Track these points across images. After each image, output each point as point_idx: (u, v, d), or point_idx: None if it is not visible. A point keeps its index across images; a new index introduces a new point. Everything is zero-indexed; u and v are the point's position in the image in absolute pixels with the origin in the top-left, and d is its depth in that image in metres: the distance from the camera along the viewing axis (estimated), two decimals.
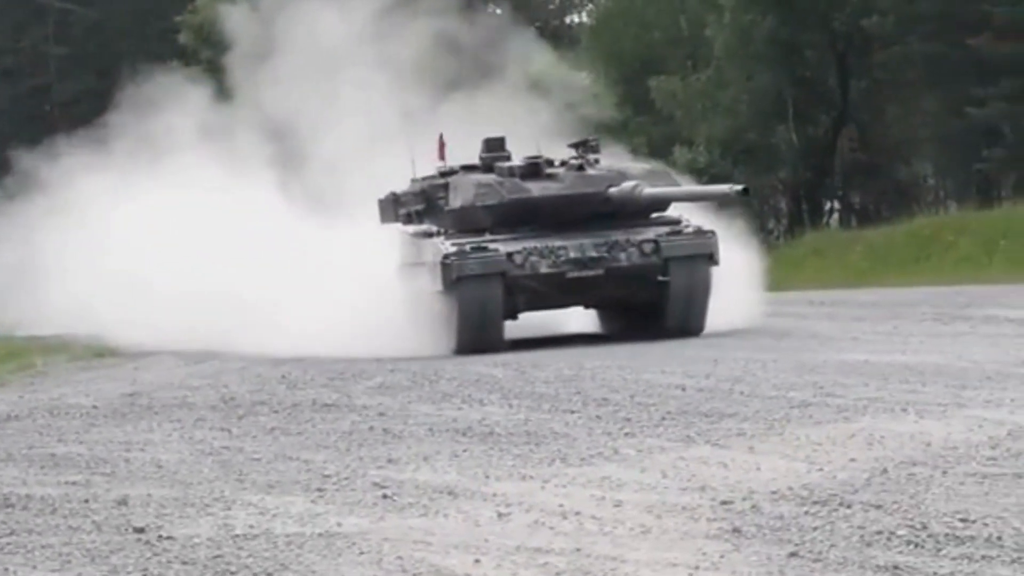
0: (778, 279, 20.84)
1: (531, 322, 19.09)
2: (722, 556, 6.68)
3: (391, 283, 19.16)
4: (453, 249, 18.21)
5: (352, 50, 24.72)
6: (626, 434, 10.18)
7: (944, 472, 8.14)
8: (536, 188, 18.98)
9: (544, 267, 18.35)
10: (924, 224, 36.42)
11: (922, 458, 8.57)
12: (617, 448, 9.62)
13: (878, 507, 7.36)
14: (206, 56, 39.67)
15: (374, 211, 20.78)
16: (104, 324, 22.80)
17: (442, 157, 20.22)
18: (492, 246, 18.31)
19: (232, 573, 6.95)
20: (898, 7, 39.72)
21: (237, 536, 7.65)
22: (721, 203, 20.91)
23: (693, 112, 42.75)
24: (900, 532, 6.84)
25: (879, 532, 6.87)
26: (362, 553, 7.13)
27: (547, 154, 19.61)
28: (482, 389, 13.47)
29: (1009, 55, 36.83)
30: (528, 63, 27.17)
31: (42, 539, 7.90)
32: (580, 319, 20.30)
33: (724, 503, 7.69)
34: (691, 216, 19.30)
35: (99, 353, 21.95)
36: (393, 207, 20.58)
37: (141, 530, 7.92)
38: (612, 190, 18.85)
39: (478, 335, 18.07)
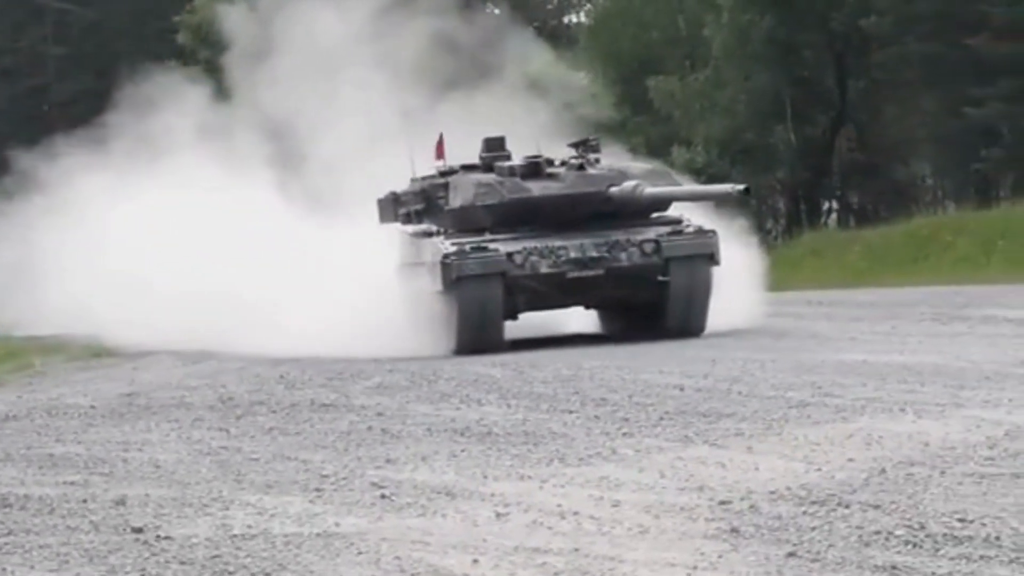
0: (776, 279, 20.83)
1: (530, 323, 19.07)
2: (720, 556, 6.68)
3: (390, 283, 19.14)
4: (453, 249, 18.17)
5: (350, 49, 24.72)
6: (624, 434, 10.18)
7: (942, 472, 8.14)
8: (537, 188, 18.94)
9: (544, 267, 18.31)
10: (922, 224, 36.42)
11: (920, 458, 8.57)
12: (615, 448, 9.62)
13: (876, 507, 7.36)
14: (204, 56, 39.67)
15: (373, 211, 20.77)
16: (102, 324, 22.78)
17: (441, 156, 20.19)
18: (492, 246, 18.27)
19: (230, 573, 6.95)
20: (896, 7, 39.72)
21: (235, 536, 7.65)
22: (719, 203, 20.89)
23: (691, 112, 42.76)
24: (898, 532, 6.84)
25: (877, 532, 6.87)
26: (360, 553, 7.13)
27: (546, 154, 19.59)
28: (480, 389, 13.47)
29: (1007, 55, 36.83)
30: (526, 63, 27.17)
31: (40, 539, 7.90)
32: (580, 319, 20.28)
33: (722, 503, 7.69)
34: (691, 216, 19.28)
35: (97, 353, 21.94)
36: (392, 207, 20.55)
37: (139, 530, 7.92)
38: (613, 190, 18.82)
39: (478, 335, 18.04)
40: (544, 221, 18.69)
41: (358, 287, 18.96)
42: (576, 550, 6.92)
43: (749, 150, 42.39)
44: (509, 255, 18.20)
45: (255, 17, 27.94)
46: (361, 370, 15.91)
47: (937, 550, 6.54)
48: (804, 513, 7.34)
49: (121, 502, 8.77)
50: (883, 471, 8.24)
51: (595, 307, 19.85)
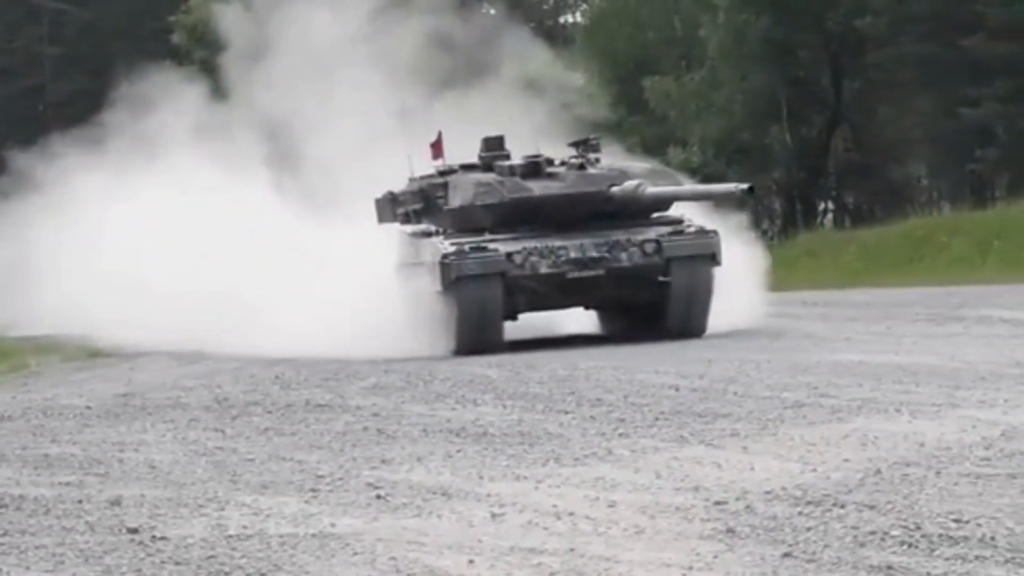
0: (772, 280, 20.80)
1: (528, 324, 19.04)
2: (716, 556, 6.68)
3: (389, 284, 19.09)
4: (452, 249, 18.11)
5: (347, 49, 24.70)
6: (620, 434, 10.18)
7: (938, 472, 8.14)
8: (537, 187, 18.88)
9: (544, 267, 18.25)
10: (918, 225, 36.46)
11: (916, 458, 8.58)
12: (611, 448, 9.62)
13: (872, 507, 7.36)
14: (200, 56, 39.64)
15: (371, 210, 20.74)
16: (98, 324, 22.76)
17: (440, 155, 20.13)
18: (492, 246, 18.21)
19: (226, 574, 6.95)
20: (891, 7, 39.76)
21: (231, 537, 7.65)
22: (717, 203, 20.84)
23: (687, 112, 42.78)
24: (894, 532, 6.84)
25: (873, 532, 6.88)
26: (356, 554, 7.13)
27: (544, 154, 19.53)
28: (476, 389, 13.46)
29: (1002, 56, 36.88)
30: (523, 62, 27.16)
31: (36, 540, 7.90)
32: (580, 320, 20.23)
33: (718, 503, 7.69)
34: (691, 216, 19.22)
35: (93, 353, 21.92)
36: (391, 207, 20.51)
37: (135, 531, 7.92)
38: (614, 189, 18.77)
39: (478, 336, 17.99)
40: (544, 221, 18.62)
41: (356, 287, 18.90)
42: (572, 550, 6.92)
43: (745, 150, 42.42)
44: (509, 255, 18.15)
45: (251, 17, 27.92)
46: (357, 371, 15.90)
47: (933, 550, 6.54)
48: (800, 513, 7.34)
49: (117, 502, 8.77)
50: (879, 471, 8.24)
51: (595, 307, 19.79)
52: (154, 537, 7.73)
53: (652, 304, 18.35)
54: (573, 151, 19.62)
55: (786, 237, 41.54)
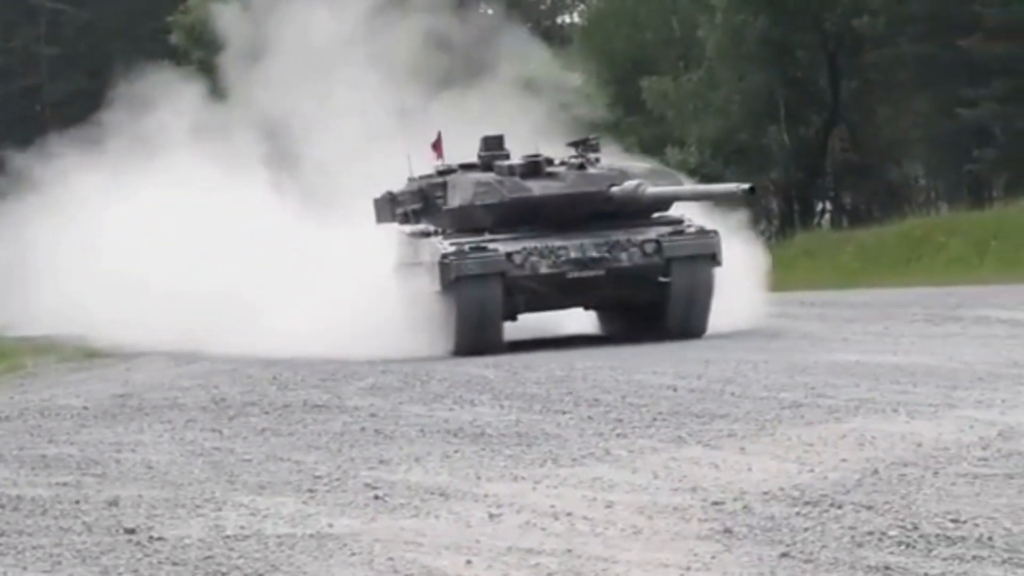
0: (770, 280, 20.80)
1: (527, 324, 19.03)
2: (713, 557, 6.68)
3: (388, 284, 19.06)
4: (451, 249, 18.07)
5: (344, 49, 24.70)
6: (617, 435, 10.18)
7: (935, 473, 8.15)
8: (537, 187, 18.84)
9: (544, 267, 18.21)
10: (915, 225, 36.47)
11: (913, 459, 8.58)
12: (608, 449, 9.62)
13: (869, 508, 7.37)
14: (198, 56, 39.63)
15: (370, 210, 20.72)
16: (96, 324, 22.74)
17: (439, 154, 20.11)
18: (491, 246, 18.17)
19: (223, 574, 6.95)
20: (889, 8, 39.77)
21: (228, 537, 7.65)
22: (716, 202, 20.81)
23: (685, 112, 42.78)
24: (891, 533, 6.85)
25: (870, 533, 6.88)
26: (353, 554, 7.13)
27: (543, 153, 19.50)
28: (473, 390, 13.46)
29: (1000, 56, 36.89)
30: (521, 62, 27.15)
31: (33, 540, 7.90)
32: (578, 320, 20.21)
33: (715, 504, 7.69)
34: (691, 216, 19.20)
35: (90, 354, 21.91)
36: (390, 206, 20.48)
37: (132, 531, 7.92)
38: (614, 189, 18.73)
39: (477, 336, 17.95)
40: (544, 221, 18.58)
41: (355, 288, 18.88)
42: (569, 551, 6.92)
43: (743, 150, 42.42)
44: (508, 255, 18.11)
45: (249, 17, 27.90)
46: (354, 371, 15.90)
47: (930, 551, 6.54)
48: (797, 514, 7.34)
49: (114, 503, 8.76)
50: (876, 472, 8.24)
51: (595, 308, 19.75)
52: (151, 537, 7.73)
53: (652, 304, 18.32)
54: (572, 151, 19.59)
55: (784, 237, 41.54)
